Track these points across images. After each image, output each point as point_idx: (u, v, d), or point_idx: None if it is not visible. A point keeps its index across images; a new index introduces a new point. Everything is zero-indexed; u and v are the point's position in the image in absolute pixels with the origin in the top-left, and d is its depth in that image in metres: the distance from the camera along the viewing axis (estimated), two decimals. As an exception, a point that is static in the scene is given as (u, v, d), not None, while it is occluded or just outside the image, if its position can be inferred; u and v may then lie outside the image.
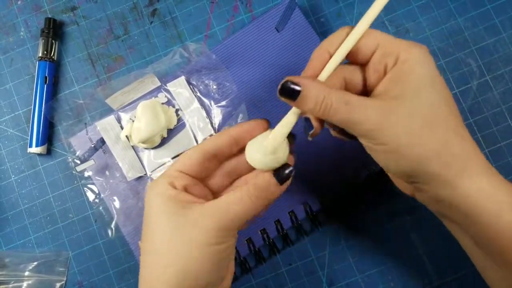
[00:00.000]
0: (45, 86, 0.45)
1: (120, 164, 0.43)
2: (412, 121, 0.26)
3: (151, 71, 0.43)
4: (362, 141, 0.28)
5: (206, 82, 0.44)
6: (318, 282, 0.42)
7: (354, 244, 0.43)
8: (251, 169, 0.31)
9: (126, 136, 0.43)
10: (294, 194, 0.42)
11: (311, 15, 0.46)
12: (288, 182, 0.29)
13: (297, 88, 0.27)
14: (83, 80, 0.46)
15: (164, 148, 0.43)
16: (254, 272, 0.43)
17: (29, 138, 0.45)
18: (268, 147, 0.29)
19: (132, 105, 0.44)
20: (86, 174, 0.44)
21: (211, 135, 0.43)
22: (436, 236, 0.42)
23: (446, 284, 0.42)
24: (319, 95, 0.27)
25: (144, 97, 0.44)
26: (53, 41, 0.46)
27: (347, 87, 0.31)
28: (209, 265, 0.27)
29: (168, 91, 0.44)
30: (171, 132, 0.44)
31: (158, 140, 0.43)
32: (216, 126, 0.43)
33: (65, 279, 0.43)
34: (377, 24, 0.45)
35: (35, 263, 0.43)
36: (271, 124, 0.31)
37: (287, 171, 0.29)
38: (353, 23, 0.45)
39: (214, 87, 0.44)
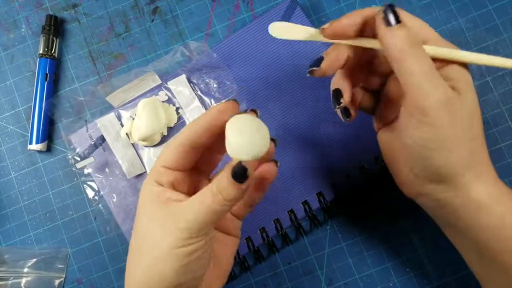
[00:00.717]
0: (46, 83, 0.45)
1: (120, 162, 0.43)
2: (462, 120, 0.27)
3: (152, 69, 0.43)
4: (412, 110, 0.28)
5: (207, 80, 0.44)
6: (317, 281, 0.42)
7: (353, 243, 0.43)
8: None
9: (126, 134, 0.43)
10: (294, 193, 0.42)
11: (312, 15, 0.46)
12: (247, 184, 0.27)
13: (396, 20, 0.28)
14: (83, 78, 0.46)
15: (164, 146, 0.44)
16: (253, 271, 0.43)
17: (29, 135, 0.45)
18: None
19: (132, 102, 0.44)
20: (86, 171, 0.44)
21: None
22: (436, 237, 0.42)
23: (446, 285, 0.42)
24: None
25: (144, 95, 0.44)
26: (54, 38, 0.46)
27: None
28: (176, 267, 0.27)
29: (168, 89, 0.44)
30: (171, 130, 0.44)
31: (158, 138, 0.43)
32: None
33: (64, 276, 0.43)
34: (378, 24, 0.45)
35: (34, 259, 0.43)
36: (241, 106, 0.31)
37: (241, 169, 0.26)
38: (354, 23, 0.45)
39: (215, 86, 0.44)
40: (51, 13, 0.46)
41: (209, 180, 0.33)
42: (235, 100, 0.30)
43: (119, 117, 0.44)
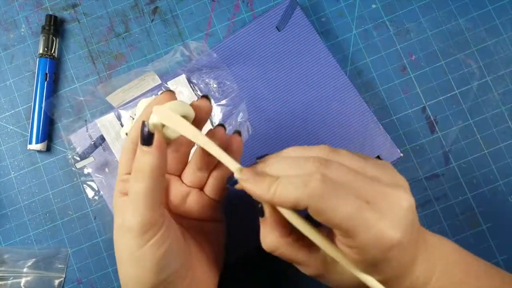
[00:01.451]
0: (46, 83, 0.45)
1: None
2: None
3: (151, 69, 0.43)
4: None
5: (206, 80, 0.44)
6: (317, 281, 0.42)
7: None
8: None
9: (126, 134, 0.43)
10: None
11: (312, 15, 0.46)
12: (154, 146, 0.25)
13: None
14: (83, 77, 0.46)
15: (164, 146, 0.44)
16: (253, 271, 0.43)
17: (29, 134, 0.45)
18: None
19: (132, 102, 0.44)
20: (86, 171, 0.44)
21: None
22: (434, 236, 0.42)
23: (444, 285, 0.42)
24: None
25: (144, 94, 0.44)
26: (53, 38, 0.46)
27: None
28: (148, 267, 0.26)
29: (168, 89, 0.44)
30: (171, 130, 0.44)
31: (157, 138, 0.43)
32: (216, 124, 0.43)
33: (64, 276, 0.43)
34: (378, 25, 0.45)
35: (34, 259, 0.43)
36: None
37: (145, 128, 0.25)
38: (353, 23, 0.45)
39: (215, 86, 0.44)
40: (51, 13, 0.46)
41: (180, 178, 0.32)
42: (171, 91, 0.29)
43: (119, 117, 0.44)
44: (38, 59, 0.45)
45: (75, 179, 0.45)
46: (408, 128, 0.44)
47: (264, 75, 0.44)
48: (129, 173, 0.28)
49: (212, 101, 0.44)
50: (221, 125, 0.31)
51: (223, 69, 0.43)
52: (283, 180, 0.25)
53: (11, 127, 0.46)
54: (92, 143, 0.44)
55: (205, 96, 0.29)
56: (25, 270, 0.43)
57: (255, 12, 0.46)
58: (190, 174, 0.31)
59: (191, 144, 0.32)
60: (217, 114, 0.43)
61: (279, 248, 0.28)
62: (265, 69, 0.44)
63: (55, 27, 0.46)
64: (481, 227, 0.43)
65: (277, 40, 0.44)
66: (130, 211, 0.26)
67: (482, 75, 0.44)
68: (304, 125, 0.43)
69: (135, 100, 0.44)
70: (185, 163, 0.32)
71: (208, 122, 0.44)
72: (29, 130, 0.45)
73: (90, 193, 0.44)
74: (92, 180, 0.44)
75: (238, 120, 0.42)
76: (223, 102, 0.43)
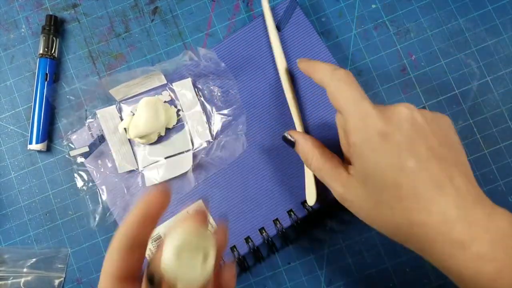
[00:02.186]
0: (46, 83, 0.45)
1: (114, 155, 0.43)
2: (369, 192, 0.28)
3: (158, 68, 0.43)
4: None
5: (211, 87, 0.44)
6: (316, 281, 0.42)
7: (353, 243, 0.43)
8: None
9: (125, 129, 0.43)
10: (293, 193, 0.42)
11: (312, 15, 0.46)
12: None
13: (292, 140, 0.36)
14: (83, 77, 0.46)
15: (160, 146, 0.44)
16: (253, 271, 0.43)
17: (29, 135, 0.45)
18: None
19: (135, 98, 0.44)
20: (79, 160, 0.43)
21: (207, 141, 0.43)
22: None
23: (445, 285, 0.42)
24: (306, 153, 0.35)
25: (148, 92, 0.44)
26: (54, 38, 0.46)
27: None
28: None
29: (172, 90, 0.44)
30: (169, 132, 0.44)
31: (155, 138, 0.43)
32: (214, 133, 0.43)
33: (64, 275, 0.43)
34: (378, 25, 0.45)
35: (34, 259, 0.43)
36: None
37: (149, 277, 0.22)
38: (353, 23, 0.45)
39: (219, 94, 0.44)
40: (51, 13, 0.47)
41: None
42: (165, 190, 0.25)
43: (119, 111, 0.44)
44: (38, 59, 0.45)
45: (75, 179, 0.45)
46: (408, 128, 0.44)
47: (263, 75, 0.44)
48: (119, 278, 0.24)
49: (213, 109, 0.44)
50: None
51: (229, 79, 0.43)
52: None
53: (11, 127, 0.46)
54: (92, 141, 0.44)
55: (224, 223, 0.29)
56: (25, 270, 0.43)
57: (255, 12, 0.46)
58: None
59: None
60: (216, 123, 0.43)
61: (321, 167, 0.33)
62: (265, 69, 0.44)
63: (55, 27, 0.46)
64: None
65: (277, 40, 0.44)
66: None
67: (482, 75, 0.44)
68: (304, 126, 0.43)
69: (138, 96, 0.44)
70: None
71: (207, 127, 0.44)
72: (29, 130, 0.45)
73: (80, 183, 0.44)
74: (84, 170, 0.44)
75: (237, 132, 0.42)
76: (225, 111, 0.43)
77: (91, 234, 0.44)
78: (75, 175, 0.44)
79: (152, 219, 0.25)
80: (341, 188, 0.30)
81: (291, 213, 0.42)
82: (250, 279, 0.43)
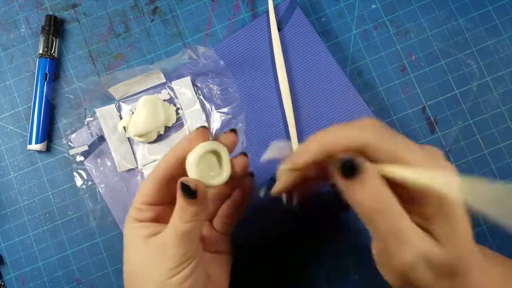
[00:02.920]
0: (45, 83, 0.45)
1: (113, 154, 0.43)
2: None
3: (157, 67, 0.43)
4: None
5: (210, 86, 0.44)
6: (315, 281, 0.42)
7: (353, 244, 0.43)
8: None
9: (124, 128, 0.43)
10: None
11: (312, 15, 0.46)
12: (199, 198, 0.27)
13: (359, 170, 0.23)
14: (83, 78, 0.46)
15: (159, 144, 0.44)
16: (249, 269, 0.43)
17: (28, 135, 0.45)
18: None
19: (134, 97, 0.44)
20: (78, 158, 0.43)
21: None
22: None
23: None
24: (377, 195, 0.23)
25: (147, 91, 0.44)
26: (53, 38, 0.46)
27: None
28: None
29: (172, 89, 0.44)
30: (169, 130, 0.44)
31: (154, 136, 0.43)
32: (214, 131, 0.43)
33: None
34: (378, 25, 0.45)
35: None
36: (211, 133, 0.32)
37: (186, 188, 0.27)
38: (353, 23, 0.45)
39: (218, 92, 0.44)
40: (51, 13, 0.46)
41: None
42: (205, 127, 0.30)
43: (119, 109, 0.44)
44: (38, 59, 0.45)
45: (74, 179, 0.45)
46: (408, 128, 0.44)
47: (263, 75, 0.44)
48: (148, 204, 0.30)
49: (213, 107, 0.44)
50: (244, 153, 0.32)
51: (228, 77, 0.43)
52: (331, 129, 0.25)
53: (11, 127, 0.46)
54: (92, 141, 0.44)
55: (233, 130, 0.32)
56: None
57: (255, 12, 0.46)
58: None
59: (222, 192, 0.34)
60: (216, 121, 0.43)
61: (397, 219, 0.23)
62: (265, 69, 0.44)
63: (55, 27, 0.46)
64: (481, 228, 0.43)
65: (277, 40, 0.44)
66: (172, 243, 0.27)
67: (482, 75, 0.44)
68: (303, 125, 0.43)
69: (137, 95, 0.44)
70: None
71: (203, 119, 0.43)
72: (29, 130, 0.45)
73: (79, 182, 0.44)
74: (84, 169, 0.44)
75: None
76: (224, 110, 0.43)
77: (91, 234, 0.44)
78: (75, 174, 0.44)
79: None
80: (425, 243, 0.24)
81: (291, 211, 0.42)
82: (248, 280, 0.43)
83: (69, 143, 0.44)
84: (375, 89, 0.45)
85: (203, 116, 0.43)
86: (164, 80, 0.44)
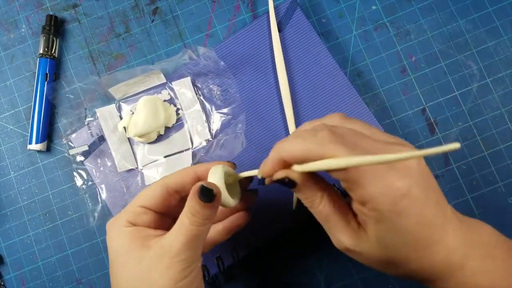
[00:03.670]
0: (46, 83, 0.45)
1: (113, 154, 0.43)
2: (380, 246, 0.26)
3: (158, 67, 0.43)
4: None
5: (210, 86, 0.44)
6: (316, 283, 0.42)
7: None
8: None
9: (124, 128, 0.43)
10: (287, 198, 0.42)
11: (312, 16, 0.46)
12: (215, 202, 0.28)
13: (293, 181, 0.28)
14: (83, 78, 0.46)
15: (159, 145, 0.44)
16: (252, 272, 0.43)
17: (29, 135, 0.45)
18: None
19: (134, 97, 0.44)
20: (78, 158, 0.43)
21: (207, 140, 0.43)
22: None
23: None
24: (313, 194, 0.28)
25: (147, 91, 0.44)
26: (54, 38, 0.46)
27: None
28: None
29: (172, 89, 0.44)
30: (169, 131, 0.44)
31: (154, 136, 0.43)
32: (214, 132, 0.43)
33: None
34: (378, 26, 0.45)
35: None
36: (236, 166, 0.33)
37: (206, 191, 0.28)
38: (354, 24, 0.45)
39: (218, 92, 0.44)
40: (51, 13, 0.46)
41: None
42: (233, 164, 0.32)
43: (119, 109, 0.44)
44: (38, 59, 0.45)
45: (74, 179, 0.45)
46: (408, 130, 0.44)
47: (263, 76, 0.44)
48: (148, 208, 0.30)
49: (213, 107, 0.44)
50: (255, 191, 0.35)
51: (228, 77, 0.43)
52: (289, 137, 0.27)
53: (11, 127, 0.46)
54: (92, 141, 0.44)
55: (255, 192, 0.35)
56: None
57: (255, 13, 0.46)
58: None
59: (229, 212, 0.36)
60: (216, 122, 0.43)
61: (329, 213, 0.28)
62: (265, 70, 0.44)
63: (55, 27, 0.46)
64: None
65: (277, 41, 0.44)
66: (181, 247, 0.27)
67: (482, 76, 0.44)
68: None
69: (137, 95, 0.44)
70: None
71: (206, 126, 0.44)
72: (29, 130, 0.45)
73: (79, 182, 0.44)
74: (84, 169, 0.44)
75: (237, 131, 0.42)
76: (224, 110, 0.43)
77: (91, 234, 0.44)
78: (75, 174, 0.44)
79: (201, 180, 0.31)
80: (350, 240, 0.27)
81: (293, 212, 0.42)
82: (252, 280, 0.43)
83: (69, 143, 0.44)
84: (375, 90, 0.45)
85: (203, 117, 0.43)
86: (165, 81, 0.44)
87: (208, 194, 0.28)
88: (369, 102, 0.45)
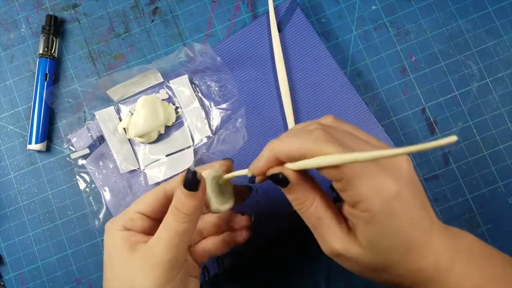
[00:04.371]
0: (46, 83, 0.45)
1: (115, 156, 0.43)
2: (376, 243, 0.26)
3: (155, 67, 0.43)
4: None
5: (208, 83, 0.44)
6: (316, 283, 0.42)
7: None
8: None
9: (124, 129, 0.43)
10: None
11: (312, 15, 0.46)
12: (200, 191, 0.28)
13: (287, 180, 0.27)
14: (83, 78, 0.46)
15: (160, 144, 0.44)
16: (253, 270, 0.43)
17: (28, 135, 0.45)
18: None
19: (133, 98, 0.44)
20: (80, 162, 0.44)
21: (207, 137, 0.43)
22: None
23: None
24: (305, 196, 0.28)
25: (145, 91, 0.44)
26: (54, 38, 0.46)
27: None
28: None
29: (170, 88, 0.44)
30: (169, 129, 0.44)
31: (154, 136, 0.43)
32: (214, 128, 0.43)
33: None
34: (378, 26, 0.45)
35: None
36: (234, 164, 0.33)
37: (189, 175, 0.28)
38: (354, 24, 0.45)
39: (216, 88, 0.44)
40: (51, 13, 0.46)
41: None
42: (230, 161, 0.32)
43: (118, 111, 0.44)
44: (38, 59, 0.45)
45: (74, 179, 0.45)
46: (408, 129, 0.44)
47: (263, 76, 0.44)
48: (144, 214, 0.30)
49: (212, 104, 0.44)
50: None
51: (226, 73, 0.43)
52: (282, 136, 0.27)
53: (11, 127, 0.46)
54: (92, 142, 0.44)
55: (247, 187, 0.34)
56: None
57: (255, 13, 0.46)
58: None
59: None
60: (215, 118, 0.43)
61: (321, 215, 0.28)
62: (265, 70, 0.44)
63: (55, 27, 0.46)
64: (480, 229, 0.43)
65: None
66: (163, 247, 0.27)
67: (482, 76, 0.44)
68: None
69: (135, 96, 0.44)
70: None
71: (206, 122, 0.44)
72: (29, 130, 0.45)
73: (82, 185, 0.44)
74: (86, 172, 0.44)
75: (236, 125, 0.42)
76: (223, 106, 0.43)
77: (91, 234, 0.44)
78: (77, 177, 0.44)
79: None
80: (342, 244, 0.27)
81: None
82: (253, 280, 0.43)
83: (70, 146, 0.44)
84: (375, 90, 0.45)
85: (203, 114, 0.43)
86: (162, 80, 0.44)
87: (192, 181, 0.27)
88: (369, 102, 0.45)
